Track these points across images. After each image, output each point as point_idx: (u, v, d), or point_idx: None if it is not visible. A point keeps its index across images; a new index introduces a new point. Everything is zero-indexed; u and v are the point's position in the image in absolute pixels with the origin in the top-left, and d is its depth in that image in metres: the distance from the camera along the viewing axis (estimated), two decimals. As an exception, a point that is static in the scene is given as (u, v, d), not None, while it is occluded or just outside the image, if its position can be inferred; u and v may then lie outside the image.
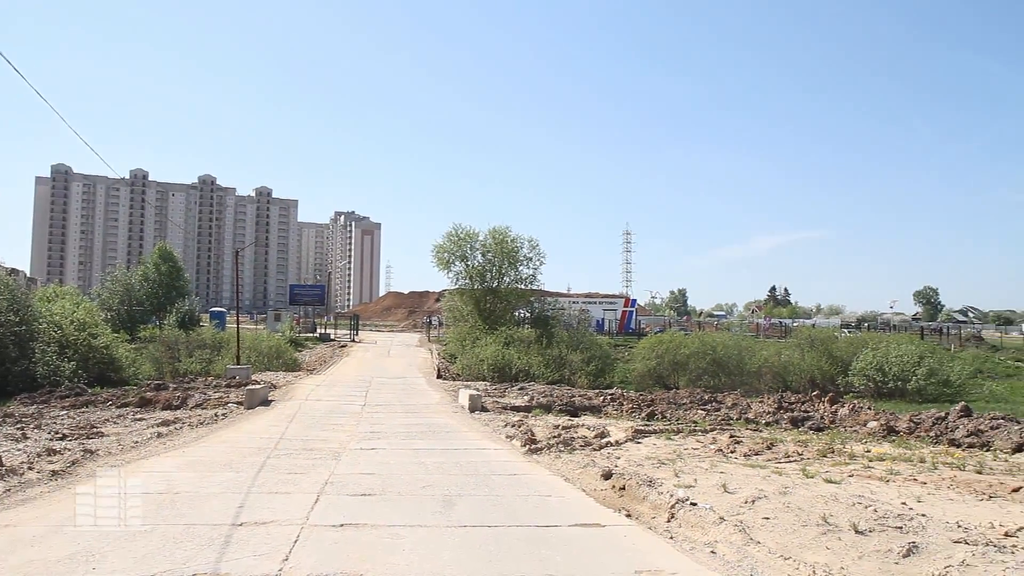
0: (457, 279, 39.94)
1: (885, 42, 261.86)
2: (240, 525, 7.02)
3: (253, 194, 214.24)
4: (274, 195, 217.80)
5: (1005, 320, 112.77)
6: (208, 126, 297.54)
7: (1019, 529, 6.85)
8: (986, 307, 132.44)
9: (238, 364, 27.74)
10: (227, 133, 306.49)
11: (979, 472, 10.76)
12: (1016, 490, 9.37)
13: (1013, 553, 5.77)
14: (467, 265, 39.15)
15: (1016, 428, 15.36)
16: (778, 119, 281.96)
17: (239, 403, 18.36)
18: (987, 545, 5.98)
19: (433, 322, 65.16)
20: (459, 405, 19.49)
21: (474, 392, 20.06)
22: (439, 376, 29.66)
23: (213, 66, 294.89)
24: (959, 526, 6.80)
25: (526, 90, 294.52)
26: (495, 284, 39.09)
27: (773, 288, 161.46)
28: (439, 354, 38.47)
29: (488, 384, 26.34)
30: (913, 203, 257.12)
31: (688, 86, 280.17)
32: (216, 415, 16.23)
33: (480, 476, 10.05)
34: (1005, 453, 13.33)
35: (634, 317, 65.54)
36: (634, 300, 73.22)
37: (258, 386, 20.55)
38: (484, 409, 18.44)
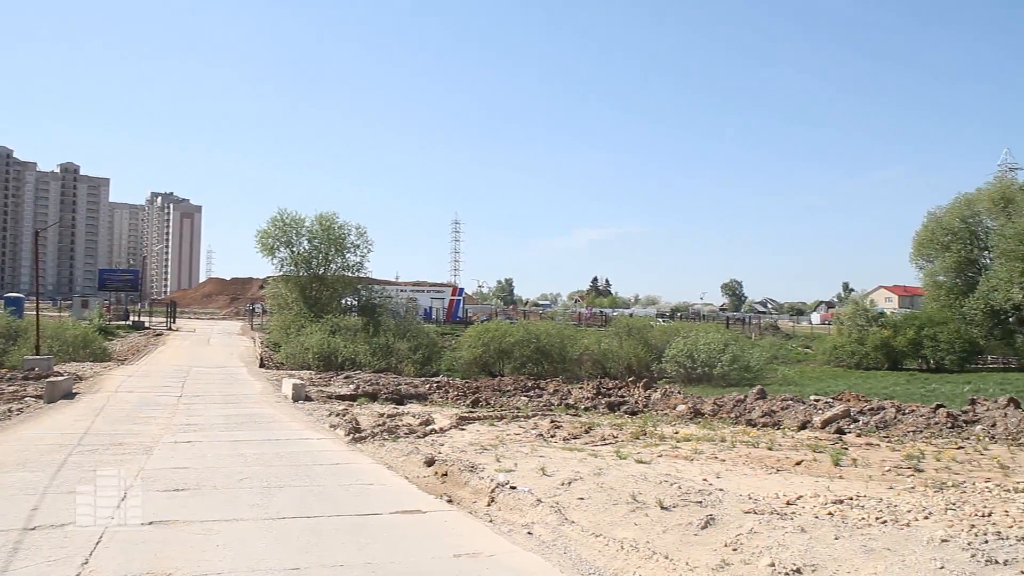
0: (282, 265, 38.84)
1: (701, 46, 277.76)
2: (33, 529, 6.53)
3: (57, 170, 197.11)
4: (82, 172, 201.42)
5: (797, 311, 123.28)
6: (5, 94, 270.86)
7: (799, 498, 7.63)
8: (782, 299, 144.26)
9: (37, 355, 25.58)
10: (27, 102, 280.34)
11: (770, 449, 11.80)
12: (799, 463, 10.39)
13: (792, 519, 6.42)
14: (293, 251, 38.12)
15: (802, 408, 16.95)
16: (602, 116, 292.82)
17: (38, 397, 16.94)
18: (772, 514, 6.62)
19: (256, 310, 62.96)
20: (282, 395, 19.03)
21: (298, 381, 19.66)
22: (262, 365, 28.81)
23: (11, 28, 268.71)
24: (750, 498, 7.47)
25: (356, 78, 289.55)
26: (321, 271, 38.33)
27: (595, 279, 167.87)
28: (262, 343, 37.33)
29: (313, 373, 25.86)
30: (722, 202, 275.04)
31: (517, 78, 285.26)
32: (9, 410, 14.89)
33: (302, 467, 9.92)
34: (792, 431, 14.67)
35: (462, 306, 66.22)
36: (462, 289, 73.97)
37: (61, 378, 19.13)
38: (308, 398, 18.13)
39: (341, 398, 18.61)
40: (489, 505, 7.94)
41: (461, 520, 7.37)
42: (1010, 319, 48.39)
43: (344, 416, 14.80)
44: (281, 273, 39.48)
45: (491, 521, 7.34)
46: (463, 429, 13.64)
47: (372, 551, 6.11)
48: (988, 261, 50.17)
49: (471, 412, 16.53)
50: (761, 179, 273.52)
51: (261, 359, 30.39)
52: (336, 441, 12.38)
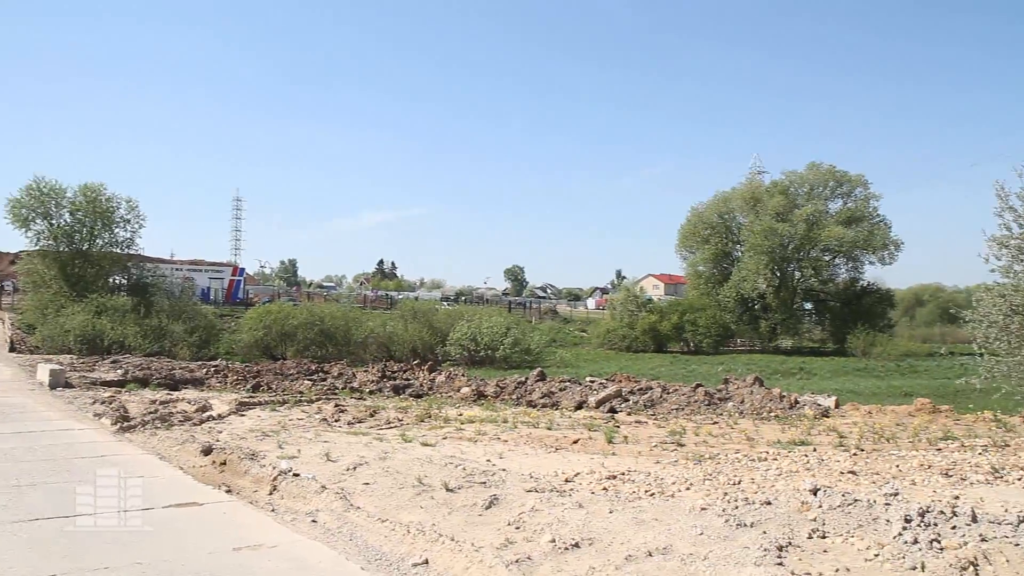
0: (39, 239, 35.03)
1: (488, 31, 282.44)
2: None
3: None
4: None
5: (575, 296, 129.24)
6: None
7: (576, 475, 8.07)
8: (561, 285, 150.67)
9: None
10: None
11: (549, 429, 12.35)
12: (576, 442, 10.96)
13: (571, 495, 6.77)
14: (52, 224, 34.48)
15: (578, 389, 17.87)
16: (390, 98, 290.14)
17: None
18: (552, 491, 6.94)
19: (7, 287, 56.54)
20: (37, 381, 17.27)
21: (56, 367, 17.91)
22: (12, 349, 26.05)
23: None
24: (532, 477, 7.79)
25: (131, 47, 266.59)
26: (86, 247, 35.05)
27: (381, 261, 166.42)
28: (13, 324, 33.71)
29: (75, 358, 23.65)
30: (507, 189, 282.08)
31: (300, 52, 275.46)
32: None
33: (59, 461, 9.06)
34: (570, 411, 15.42)
35: (242, 286, 63.34)
36: (242, 269, 70.71)
37: None
38: (69, 385, 16.57)
39: (108, 384, 17.21)
40: (271, 494, 7.70)
41: (241, 511, 7.08)
42: (756, 306, 53.73)
43: (111, 404, 13.68)
44: (38, 247, 35.66)
45: (273, 510, 7.12)
46: (243, 415, 13.10)
47: (142, 550, 5.70)
48: (740, 254, 55.25)
49: (252, 397, 15.91)
50: (543, 169, 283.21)
51: (12, 342, 27.46)
52: (101, 431, 11.43)
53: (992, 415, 13.56)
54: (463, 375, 22.33)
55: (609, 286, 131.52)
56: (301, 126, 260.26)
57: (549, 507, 6.29)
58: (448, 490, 7.06)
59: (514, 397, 17.64)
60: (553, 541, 5.34)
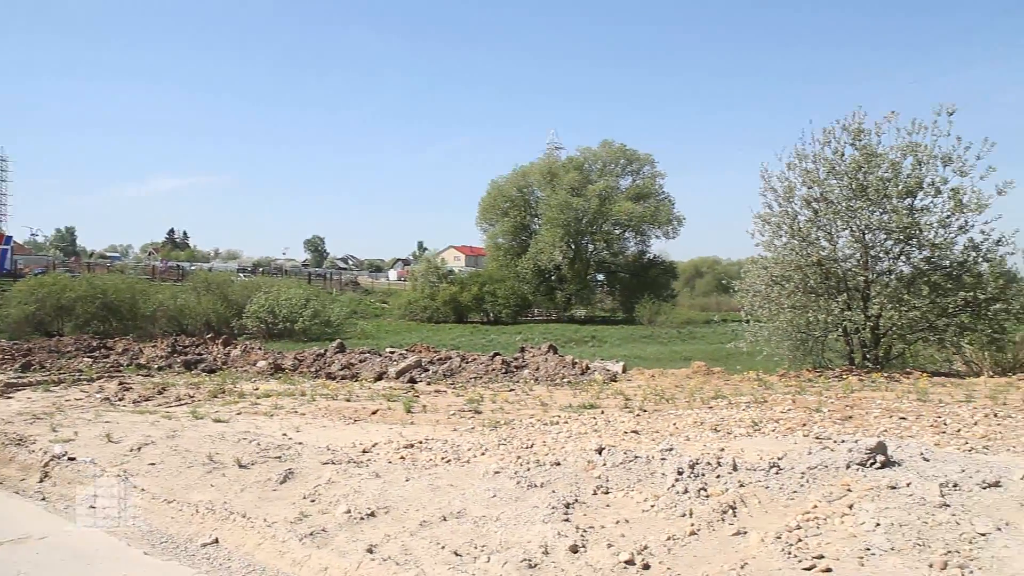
0: None
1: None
2: None
3: None
4: None
5: (376, 268, 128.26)
6: None
7: (374, 445, 8.12)
8: (363, 256, 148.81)
9: None
10: None
11: (348, 400, 12.27)
12: (375, 413, 10.99)
13: (368, 466, 6.82)
14: None
15: (379, 360, 17.85)
16: (181, 55, 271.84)
17: None
18: (349, 463, 6.96)
19: None
20: None
21: None
22: None
23: None
24: (329, 449, 7.75)
25: None
26: None
27: (172, 231, 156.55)
28: None
29: None
30: (306, 157, 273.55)
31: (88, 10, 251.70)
32: None
33: None
34: (370, 382, 15.38)
35: (9, 256, 57.39)
36: (9, 237, 63.93)
37: None
38: None
39: None
40: (42, 481, 7.15)
41: (6, 501, 6.54)
42: (552, 278, 55.80)
43: None
44: None
45: (44, 499, 6.63)
46: (10, 397, 11.98)
47: None
48: (537, 227, 57.05)
49: (21, 377, 14.55)
50: (345, 139, 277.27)
51: None
52: None
53: (756, 375, 14.96)
54: (260, 348, 21.61)
55: (411, 257, 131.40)
56: (78, 82, 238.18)
57: (346, 478, 6.31)
58: (241, 466, 6.89)
59: (313, 370, 17.32)
60: (348, 512, 5.37)
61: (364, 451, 7.79)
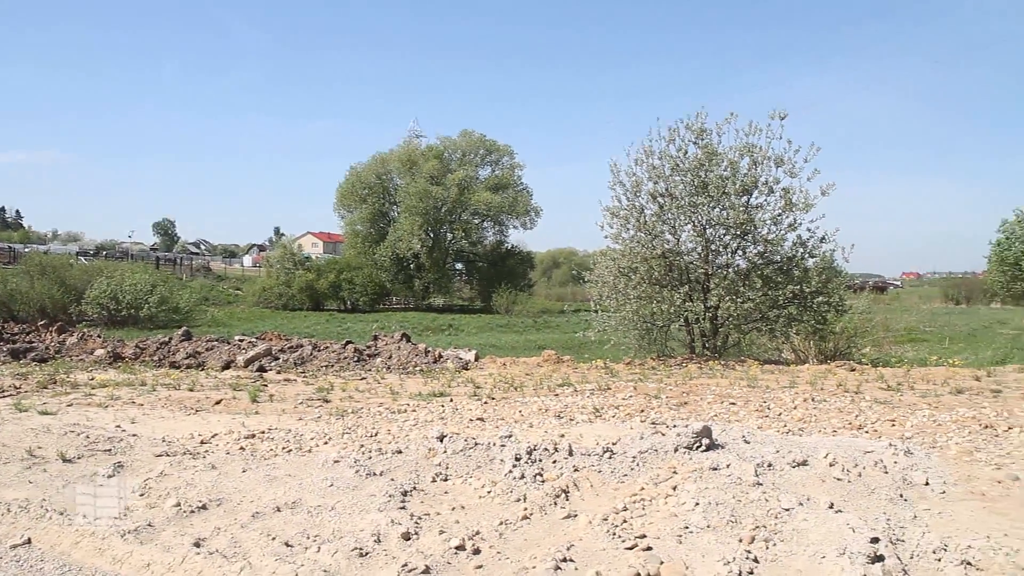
0: None
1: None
2: None
3: None
4: None
5: (231, 253, 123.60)
6: None
7: (214, 436, 7.89)
8: (216, 240, 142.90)
9: None
10: None
11: (191, 390, 11.83)
12: (218, 402, 10.65)
13: (205, 457, 6.63)
14: None
15: (227, 348, 17.26)
16: (8, 17, 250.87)
17: None
18: (185, 454, 6.74)
19: None
20: None
21: None
22: None
23: None
24: (164, 441, 7.46)
25: None
26: None
27: (3, 209, 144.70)
28: None
29: None
30: (158, 136, 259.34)
31: None
32: None
33: None
34: (216, 371, 14.88)
35: None
36: None
37: None
38: None
39: None
40: None
41: None
42: (411, 266, 55.56)
43: None
44: None
45: None
46: None
47: None
48: (396, 214, 56.65)
49: None
50: (200, 119, 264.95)
51: None
52: None
53: (604, 363, 15.51)
54: (99, 336, 20.42)
55: (267, 243, 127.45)
56: None
57: (179, 470, 6.11)
58: (65, 461, 6.53)
59: (156, 358, 16.55)
60: (178, 505, 5.21)
61: (202, 442, 7.55)
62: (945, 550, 4.37)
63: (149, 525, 4.84)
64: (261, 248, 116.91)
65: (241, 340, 19.35)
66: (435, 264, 55.45)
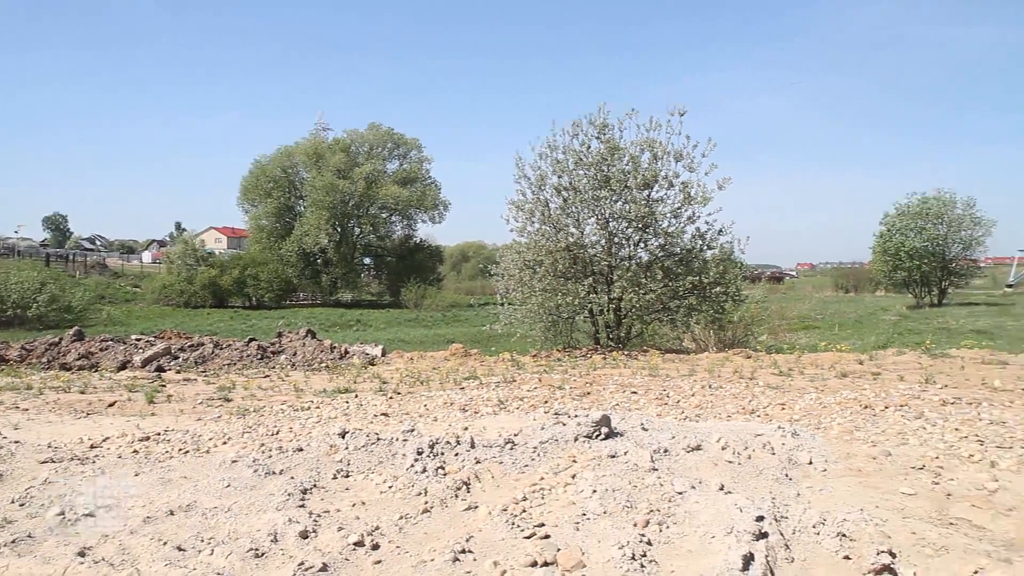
0: None
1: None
2: None
3: None
4: None
5: (128, 249, 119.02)
6: None
7: (105, 440, 7.61)
8: (113, 236, 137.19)
9: None
10: None
11: (83, 392, 11.38)
12: (112, 404, 10.29)
13: (94, 463, 6.39)
14: None
15: (122, 348, 16.66)
16: None
17: None
18: (72, 460, 6.48)
19: None
20: None
21: None
22: None
23: None
24: (50, 447, 7.15)
25: None
26: None
27: None
28: None
29: None
30: (45, 123, 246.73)
31: None
32: None
33: None
34: (111, 372, 14.34)
35: None
36: None
37: None
38: None
39: None
40: None
41: None
42: (318, 261, 54.71)
43: None
44: None
45: None
46: None
47: None
48: (302, 209, 55.68)
49: None
50: (95, 108, 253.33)
51: None
52: None
53: (511, 356, 15.65)
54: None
55: (168, 239, 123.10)
56: None
57: (66, 477, 5.87)
58: (-62, 472, 6.19)
59: (44, 360, 15.83)
60: (62, 514, 5.01)
61: (92, 447, 7.27)
62: (824, 524, 4.61)
63: (29, 536, 4.64)
64: (161, 244, 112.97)
65: (138, 339, 18.69)
66: (343, 259, 54.78)
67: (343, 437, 6.66)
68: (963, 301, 45.01)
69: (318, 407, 9.91)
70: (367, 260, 60.73)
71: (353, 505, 5.18)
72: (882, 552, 4.16)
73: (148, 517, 4.90)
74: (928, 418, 7.85)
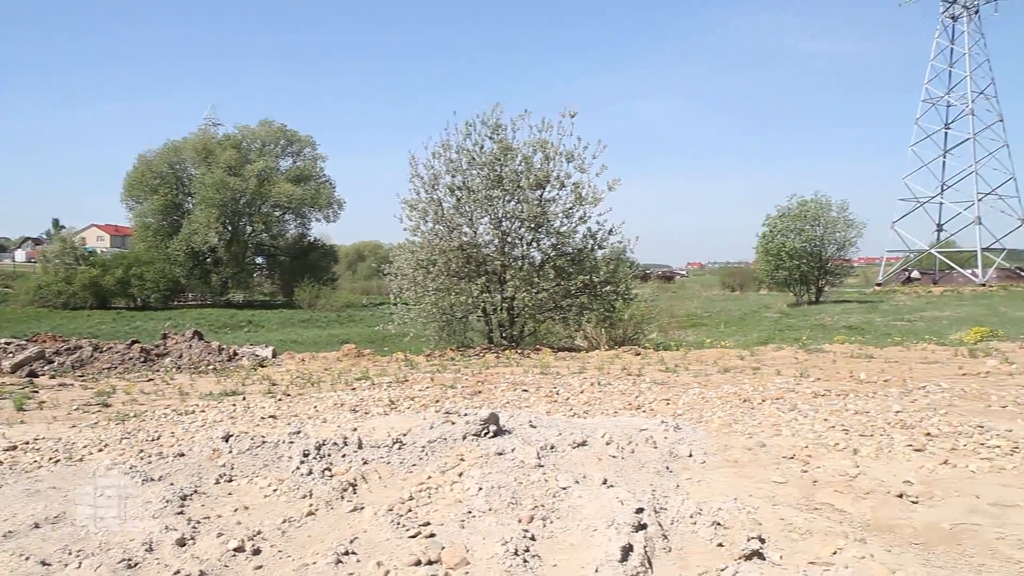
0: None
1: None
2: None
3: None
4: None
5: (0, 247, 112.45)
6: None
7: (-34, 451, 7.18)
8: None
9: None
10: None
11: (-56, 402, 10.69)
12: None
13: (-46, 475, 6.03)
14: None
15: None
16: None
17: None
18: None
19: None
20: None
21: None
22: None
23: None
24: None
25: None
26: None
27: None
28: None
29: None
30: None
31: None
32: None
33: None
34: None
35: None
36: None
37: None
38: None
39: None
40: None
41: None
42: (208, 260, 52.97)
43: None
44: None
45: None
46: None
47: None
48: (191, 206, 53.82)
49: None
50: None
51: None
52: None
53: (404, 355, 15.57)
54: None
55: (44, 236, 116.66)
56: None
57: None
58: None
59: None
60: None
61: (-50, 459, 6.85)
62: (700, 514, 4.80)
63: None
64: (37, 242, 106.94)
65: (8, 343, 17.64)
66: (234, 258, 53.24)
67: (227, 441, 6.51)
68: (838, 299, 47.45)
69: (203, 411, 9.62)
70: (259, 259, 59.21)
71: (235, 510, 5.07)
72: (752, 538, 4.36)
73: (9, 532, 4.65)
74: (801, 410, 8.27)
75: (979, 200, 66.84)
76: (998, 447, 6.39)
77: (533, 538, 4.42)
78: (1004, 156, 69.29)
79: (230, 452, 6.26)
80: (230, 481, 5.70)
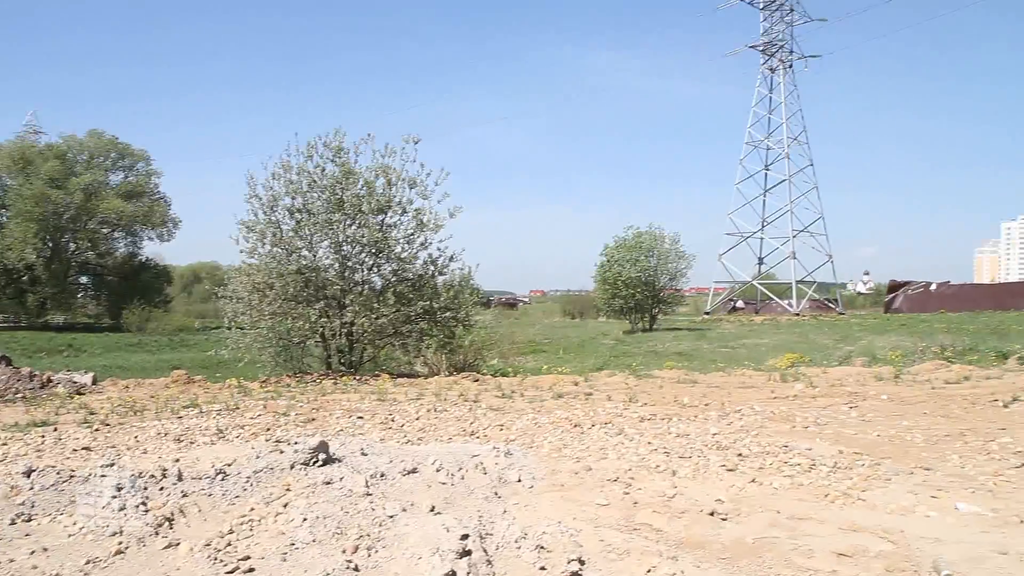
0: None
1: None
2: None
3: None
4: None
5: None
6: None
7: None
8: None
9: None
10: None
11: None
12: None
13: None
14: None
15: None
16: None
17: None
18: None
19: None
20: None
21: None
22: None
23: None
24: None
25: None
26: None
27: None
28: None
29: None
30: None
31: None
32: None
33: None
34: None
35: None
36: None
37: None
38: None
39: None
40: None
41: None
42: (23, 278, 49.10)
43: None
44: None
45: None
46: None
47: None
48: (5, 220, 49.89)
49: None
50: None
51: None
52: None
53: (238, 382, 15.00)
54: None
55: None
56: None
57: None
58: None
59: None
60: None
61: None
62: (524, 538, 4.90)
63: None
64: None
65: None
66: (54, 277, 49.59)
67: (28, 476, 6.04)
68: (670, 327, 49.74)
69: (4, 443, 8.88)
70: (83, 279, 55.47)
71: (32, 552, 4.72)
72: (572, 560, 4.51)
73: None
74: (627, 434, 8.62)
75: (794, 236, 72.46)
76: (799, 465, 6.93)
77: (357, 568, 4.38)
78: (815, 197, 75.50)
79: (31, 489, 5.81)
80: (29, 521, 5.31)
